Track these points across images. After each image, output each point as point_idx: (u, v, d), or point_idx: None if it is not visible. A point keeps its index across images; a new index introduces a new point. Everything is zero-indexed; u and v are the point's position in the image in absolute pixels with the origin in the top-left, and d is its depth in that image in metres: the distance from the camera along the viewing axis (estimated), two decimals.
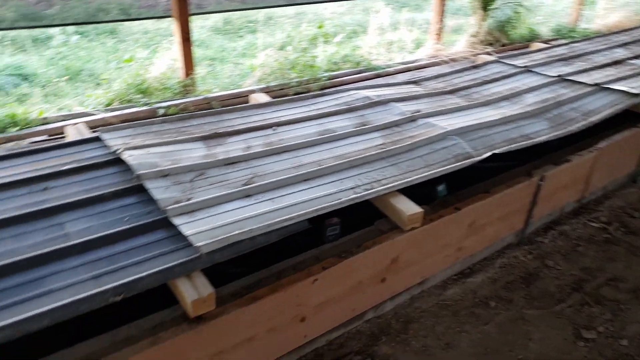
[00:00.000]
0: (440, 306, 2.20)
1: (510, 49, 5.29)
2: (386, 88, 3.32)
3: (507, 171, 2.62)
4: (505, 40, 5.65)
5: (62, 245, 1.67)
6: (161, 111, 3.63)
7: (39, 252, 1.62)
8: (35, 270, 1.57)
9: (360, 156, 2.29)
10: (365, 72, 4.61)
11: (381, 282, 2.04)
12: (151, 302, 1.66)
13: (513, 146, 2.50)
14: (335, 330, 2.01)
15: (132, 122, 2.55)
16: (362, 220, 2.12)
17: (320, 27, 5.38)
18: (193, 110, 3.60)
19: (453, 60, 4.97)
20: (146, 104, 3.75)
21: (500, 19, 5.70)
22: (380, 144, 2.45)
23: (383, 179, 2.15)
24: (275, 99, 3.01)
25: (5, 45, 5.69)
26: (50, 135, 3.36)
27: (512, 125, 2.77)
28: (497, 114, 2.88)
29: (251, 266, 1.87)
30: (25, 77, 4.87)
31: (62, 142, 2.44)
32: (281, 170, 2.17)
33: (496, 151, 2.42)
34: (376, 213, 2.12)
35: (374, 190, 2.06)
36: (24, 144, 3.29)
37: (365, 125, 2.65)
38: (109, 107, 3.73)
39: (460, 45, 5.55)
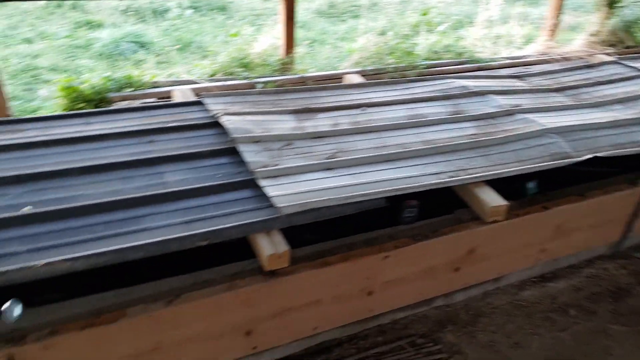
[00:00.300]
0: (514, 305, 2.12)
1: (634, 52, 4.82)
2: (486, 80, 3.20)
3: (608, 178, 2.43)
4: (630, 43, 5.14)
5: (161, 191, 1.83)
6: (259, 86, 3.79)
7: (141, 194, 1.80)
8: (136, 209, 1.75)
9: (449, 144, 2.25)
10: (466, 63, 4.45)
11: (454, 271, 2.00)
12: (230, 253, 1.79)
13: (620, 151, 2.31)
14: (401, 311, 2.02)
15: (231, 91, 2.72)
16: (440, 207, 2.09)
17: (424, 14, 5.28)
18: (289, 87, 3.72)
19: (566, 59, 4.62)
20: (246, 78, 3.93)
21: (628, 19, 5.19)
22: (472, 134, 2.38)
23: (470, 169, 2.10)
24: (368, 81, 3.03)
25: (129, 15, 6.24)
26: (158, 98, 3.64)
27: (622, 130, 2.55)
28: (606, 116, 2.67)
29: (325, 235, 1.93)
30: (142, 45, 5.32)
31: (169, 102, 2.66)
32: (365, 148, 2.20)
33: (599, 154, 2.25)
34: (456, 202, 2.08)
35: (458, 178, 2.02)
36: (136, 103, 3.62)
37: (458, 114, 2.59)
38: (212, 78, 3.97)
39: (576, 44, 5.14)
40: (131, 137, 2.21)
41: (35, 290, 1.51)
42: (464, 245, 1.96)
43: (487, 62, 4.49)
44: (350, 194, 1.82)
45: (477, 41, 5.02)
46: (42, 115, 2.80)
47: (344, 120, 2.45)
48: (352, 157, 2.09)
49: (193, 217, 1.73)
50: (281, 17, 3.98)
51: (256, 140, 2.17)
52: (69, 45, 5.28)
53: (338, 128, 2.35)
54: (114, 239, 1.61)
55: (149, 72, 4.00)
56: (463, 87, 2.94)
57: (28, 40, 5.35)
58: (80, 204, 1.72)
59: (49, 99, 4.04)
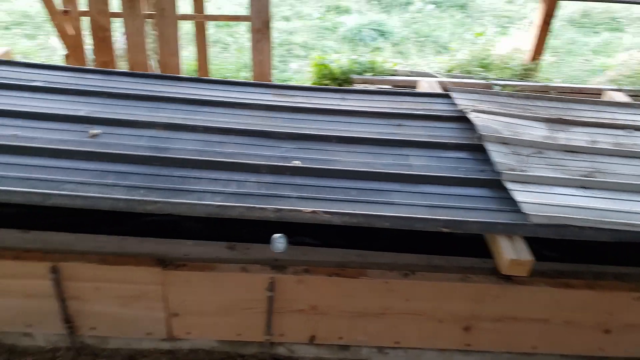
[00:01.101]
0: None
1: None
2: None
3: None
4: None
5: (406, 172, 1.93)
6: (496, 88, 3.69)
7: (389, 171, 1.93)
8: (383, 183, 1.87)
9: None
10: None
11: None
12: (459, 247, 1.81)
13: None
14: None
15: (479, 89, 2.70)
16: None
17: None
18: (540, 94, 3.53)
19: None
20: (483, 79, 3.86)
21: None
22: None
23: None
24: (636, 102, 2.68)
25: (373, 4, 6.63)
26: (393, 86, 3.83)
27: None
28: None
29: (565, 256, 1.81)
30: (382, 33, 5.61)
31: (416, 91, 2.77)
32: (628, 174, 1.97)
33: None
34: None
35: None
36: (372, 87, 3.86)
37: None
38: (449, 73, 3.99)
39: None
40: (381, 117, 2.37)
41: (295, 231, 1.75)
42: None
43: None
44: (611, 220, 1.66)
45: None
46: (306, 85, 3.19)
47: (604, 139, 2.23)
48: (613, 180, 1.90)
49: (435, 203, 1.79)
50: (537, 19, 3.78)
51: (504, 142, 2.12)
52: (319, 26, 5.86)
53: (596, 146, 2.15)
54: (363, 204, 1.75)
55: (389, 60, 4.23)
56: None
57: (286, 18, 6.10)
58: (338, 168, 1.92)
59: (298, 71, 4.58)
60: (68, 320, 1.69)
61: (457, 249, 1.82)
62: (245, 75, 4.29)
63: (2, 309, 1.69)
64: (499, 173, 1.91)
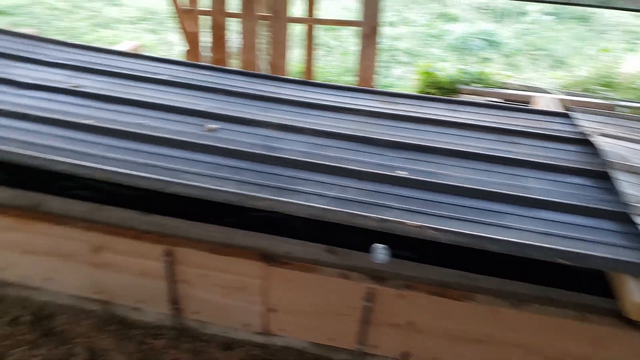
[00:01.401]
0: None
1: None
2: None
3: None
4: None
5: (520, 194, 1.82)
6: (619, 110, 3.37)
7: (501, 191, 1.83)
8: (495, 204, 1.77)
9: None
10: None
11: None
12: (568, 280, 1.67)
13: None
14: None
15: (604, 111, 2.48)
16: None
17: None
18: None
19: None
20: (605, 98, 3.55)
21: None
22: None
23: None
24: None
25: (483, 13, 6.37)
26: (505, 100, 3.64)
27: None
28: None
29: None
30: (491, 44, 5.37)
31: (532, 107, 2.61)
32: None
33: None
34: None
35: None
36: (479, 99, 3.70)
37: None
38: (565, 90, 3.73)
39: None
40: (494, 133, 2.26)
41: (393, 243, 1.71)
42: None
43: None
44: None
45: None
46: (413, 93, 3.14)
47: None
48: None
49: (551, 230, 1.66)
50: None
51: (634, 172, 1.93)
52: (424, 33, 5.75)
53: None
54: (472, 224, 1.67)
55: (500, 72, 4.04)
56: None
57: (392, 24, 6.05)
58: (447, 183, 1.85)
59: (401, 78, 4.51)
60: (175, 302, 1.80)
61: (569, 282, 1.68)
62: (348, 79, 4.32)
63: (119, 283, 1.83)
64: (626, 205, 1.74)
